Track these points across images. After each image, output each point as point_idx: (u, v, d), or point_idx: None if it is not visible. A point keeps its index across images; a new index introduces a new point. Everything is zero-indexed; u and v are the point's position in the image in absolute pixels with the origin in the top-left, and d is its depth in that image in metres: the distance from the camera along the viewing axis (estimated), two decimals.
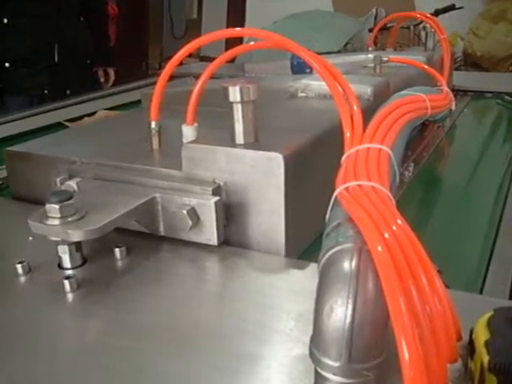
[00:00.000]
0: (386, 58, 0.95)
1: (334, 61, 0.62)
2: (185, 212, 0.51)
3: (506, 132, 1.18)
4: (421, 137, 0.98)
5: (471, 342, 0.33)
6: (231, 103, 0.53)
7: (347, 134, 0.51)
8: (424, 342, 0.29)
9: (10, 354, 0.41)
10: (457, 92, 1.38)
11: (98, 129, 0.82)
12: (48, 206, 0.48)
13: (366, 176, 0.40)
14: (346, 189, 0.39)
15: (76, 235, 0.47)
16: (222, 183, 0.54)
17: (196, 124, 0.60)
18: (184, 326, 0.43)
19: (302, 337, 0.39)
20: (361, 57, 1.04)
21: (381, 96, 0.76)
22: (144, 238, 0.56)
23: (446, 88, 0.85)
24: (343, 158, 0.46)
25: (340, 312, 0.30)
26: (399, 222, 0.34)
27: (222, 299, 0.47)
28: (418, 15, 1.34)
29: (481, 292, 0.55)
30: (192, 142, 0.57)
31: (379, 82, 0.81)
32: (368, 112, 0.73)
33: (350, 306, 0.30)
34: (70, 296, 0.47)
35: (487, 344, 0.31)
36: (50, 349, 0.41)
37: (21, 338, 0.42)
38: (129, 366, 0.39)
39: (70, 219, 0.48)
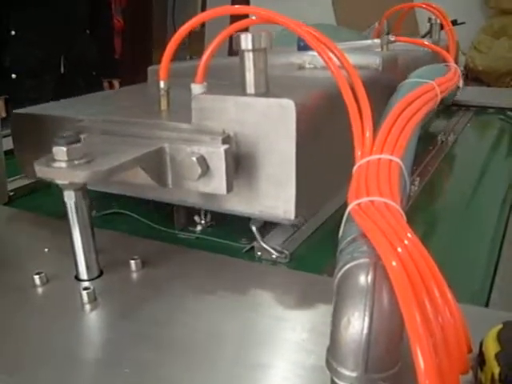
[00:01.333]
0: (393, 38, 0.96)
1: (339, 46, 0.63)
2: (194, 159, 0.51)
3: (508, 147, 1.20)
4: (426, 152, 0.99)
5: (481, 354, 0.34)
6: (242, 51, 0.52)
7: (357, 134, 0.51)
8: (437, 352, 0.30)
9: (28, 365, 0.42)
10: (459, 107, 1.40)
11: (105, 96, 0.81)
12: (55, 149, 0.46)
13: (377, 191, 0.41)
14: (359, 204, 0.40)
15: (83, 176, 0.46)
16: (231, 134, 0.53)
17: (205, 83, 0.59)
18: (200, 337, 0.44)
19: (315, 348, 0.41)
20: (367, 42, 1.05)
21: (389, 68, 0.77)
22: (159, 251, 0.58)
23: (453, 64, 0.86)
24: (354, 168, 0.47)
25: (357, 324, 0.31)
26: (410, 236, 0.35)
27: (236, 311, 0.48)
28: (424, 5, 1.34)
29: (486, 305, 0.56)
30: (202, 93, 0.56)
31: (388, 55, 0.82)
32: (377, 82, 0.74)
33: (367, 319, 0.31)
34: (87, 307, 0.48)
35: (497, 356, 0.32)
36: (68, 359, 0.42)
37: (39, 349, 0.43)
38: (148, 376, 0.40)
39: (77, 162, 0.46)
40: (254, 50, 0.52)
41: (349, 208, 0.41)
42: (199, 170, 0.51)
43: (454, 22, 1.92)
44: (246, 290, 0.51)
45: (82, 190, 0.50)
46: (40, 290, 0.52)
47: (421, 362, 0.28)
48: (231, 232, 0.64)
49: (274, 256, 0.58)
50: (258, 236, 0.59)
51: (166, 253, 0.58)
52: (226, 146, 0.51)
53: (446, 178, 0.93)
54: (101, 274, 0.54)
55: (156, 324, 0.46)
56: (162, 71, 0.63)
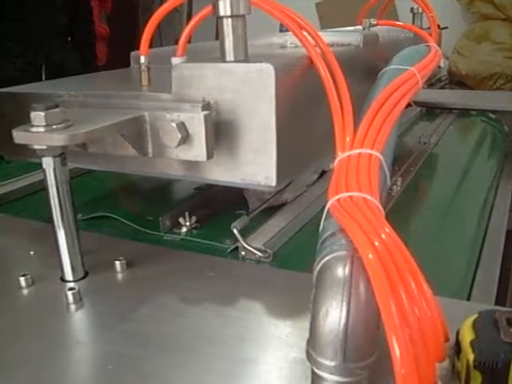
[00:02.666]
0: (374, 22, 0.98)
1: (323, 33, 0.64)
2: (174, 125, 0.51)
3: (490, 148, 1.22)
4: (408, 152, 1.01)
5: (458, 343, 0.35)
6: (221, 18, 0.53)
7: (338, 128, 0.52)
8: (413, 341, 0.31)
9: (14, 364, 0.42)
10: (442, 110, 1.42)
11: (86, 77, 0.81)
12: (33, 114, 0.46)
13: (356, 186, 0.42)
14: (338, 200, 0.41)
15: (61, 138, 0.46)
16: (212, 101, 0.53)
17: (186, 57, 0.59)
18: (185, 333, 0.45)
19: (298, 341, 0.41)
20: (349, 28, 1.07)
21: (370, 45, 0.78)
22: (143, 252, 0.58)
23: (433, 45, 0.87)
24: (335, 162, 0.48)
25: (335, 314, 0.32)
26: (388, 231, 0.36)
27: (221, 308, 0.48)
28: None
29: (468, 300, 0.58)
30: (182, 62, 0.56)
31: (368, 33, 0.83)
32: (358, 59, 0.76)
33: (345, 309, 0.32)
34: (72, 307, 0.49)
35: (472, 343, 0.33)
36: (55, 357, 0.43)
37: (25, 348, 0.44)
38: (134, 373, 0.40)
39: (55, 127, 0.46)
40: (232, 16, 0.52)
41: (328, 204, 0.41)
42: (179, 136, 0.51)
43: (437, 27, 1.95)
44: (231, 289, 0.52)
45: (61, 158, 0.50)
46: (25, 291, 0.52)
47: (396, 352, 0.29)
48: (216, 233, 0.65)
49: (257, 256, 0.58)
50: (239, 237, 0.59)
51: (150, 254, 0.58)
52: (206, 112, 0.51)
53: (428, 179, 0.94)
54: (86, 275, 0.54)
55: (141, 322, 0.46)
56: (142, 46, 0.62)
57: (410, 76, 0.65)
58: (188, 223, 0.67)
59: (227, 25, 0.53)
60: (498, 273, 0.72)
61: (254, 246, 0.59)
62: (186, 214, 0.68)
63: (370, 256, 0.32)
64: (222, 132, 0.54)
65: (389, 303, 0.30)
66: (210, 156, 0.52)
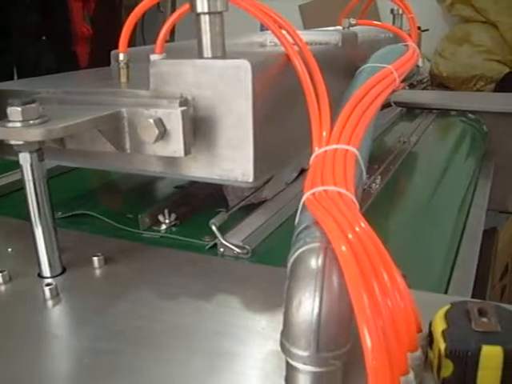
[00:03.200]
0: (354, 22, 0.99)
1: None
2: (151, 121, 0.51)
3: (469, 148, 1.23)
4: (387, 151, 1.02)
5: (430, 333, 0.36)
6: (198, 15, 0.53)
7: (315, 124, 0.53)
8: (385, 332, 0.31)
9: None
10: (422, 110, 1.43)
11: (65, 75, 0.80)
12: (10, 110, 0.46)
13: (332, 181, 0.43)
14: (313, 194, 0.41)
15: (37, 134, 0.45)
16: (189, 98, 0.53)
17: (165, 54, 0.59)
18: (162, 327, 0.45)
19: (274, 334, 0.42)
20: (329, 28, 1.07)
21: (349, 44, 0.79)
22: (122, 249, 0.58)
23: (411, 44, 0.88)
24: (312, 157, 0.48)
25: (308, 304, 0.32)
26: (362, 224, 0.36)
27: (199, 303, 0.48)
28: None
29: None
30: (160, 59, 0.57)
31: (347, 32, 0.84)
32: (337, 58, 0.77)
33: (317, 299, 0.32)
34: (50, 303, 0.49)
35: (444, 333, 0.34)
36: (30, 352, 0.43)
37: (1, 343, 0.44)
38: (109, 366, 0.40)
39: (32, 122, 0.46)
40: (209, 13, 0.53)
41: (304, 198, 0.42)
42: (156, 132, 0.51)
43: (418, 29, 1.97)
44: (209, 284, 0.52)
45: (38, 153, 0.50)
46: (2, 287, 0.52)
47: (368, 342, 0.29)
48: (195, 230, 0.65)
49: (235, 252, 0.59)
50: (218, 234, 0.59)
51: (129, 250, 0.58)
52: (183, 108, 0.51)
53: (407, 177, 0.95)
54: (64, 271, 0.54)
55: (118, 317, 0.46)
56: (121, 43, 0.62)
57: (387, 74, 0.66)
58: (167, 221, 0.68)
59: (204, 22, 0.53)
60: (474, 270, 0.73)
61: (232, 242, 0.59)
62: (166, 211, 0.68)
63: (343, 248, 0.32)
64: (199, 128, 0.54)
65: (361, 294, 0.30)
66: (187, 152, 0.52)
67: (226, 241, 0.59)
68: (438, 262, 0.71)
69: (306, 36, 0.76)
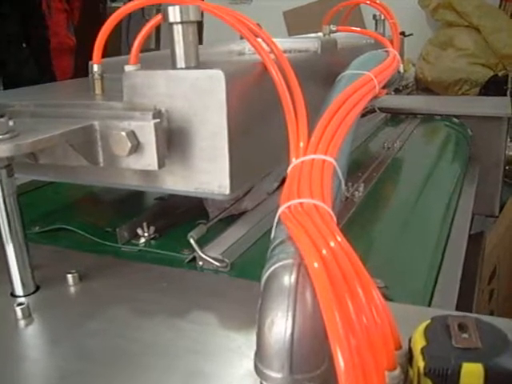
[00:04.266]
0: (334, 28, 0.97)
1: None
2: (124, 134, 0.49)
3: (453, 152, 1.23)
4: (371, 157, 1.01)
5: (410, 350, 0.35)
6: (171, 25, 0.52)
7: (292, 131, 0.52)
8: (361, 351, 0.30)
9: None
10: (407, 115, 1.43)
11: (41, 87, 0.78)
12: None
13: (308, 193, 0.42)
14: (289, 207, 0.40)
15: (5, 149, 0.44)
16: (163, 110, 0.52)
17: (139, 65, 0.57)
18: (137, 347, 0.43)
19: (250, 353, 0.40)
20: (310, 35, 1.06)
21: (329, 51, 0.78)
22: (97, 265, 0.57)
23: (392, 50, 0.87)
24: (289, 168, 0.47)
25: (280, 324, 0.31)
26: (338, 238, 0.35)
27: (174, 320, 0.47)
28: (368, 1, 1.35)
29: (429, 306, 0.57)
30: (133, 70, 0.55)
31: (327, 38, 0.83)
32: (316, 65, 0.76)
33: (290, 319, 0.31)
34: (22, 323, 0.47)
35: (423, 350, 0.32)
36: (0, 373, 0.41)
37: None
38: None
39: (0, 137, 0.44)
40: (182, 23, 0.51)
41: (279, 211, 0.41)
42: (129, 145, 0.49)
43: (402, 34, 1.98)
44: (186, 300, 0.50)
45: (8, 169, 0.49)
46: None
47: (341, 363, 0.28)
48: (174, 243, 0.64)
49: (214, 265, 0.57)
50: (196, 247, 0.58)
51: (105, 266, 0.57)
52: (157, 120, 0.50)
53: (391, 184, 0.95)
54: (37, 289, 0.52)
55: (91, 337, 0.45)
56: (95, 54, 0.61)
57: (367, 81, 0.65)
58: (146, 234, 0.66)
59: (177, 32, 0.52)
60: (459, 278, 0.72)
61: (211, 255, 0.58)
62: (144, 224, 0.66)
63: (316, 264, 0.31)
64: (174, 140, 0.53)
65: (333, 313, 0.29)
66: (161, 165, 0.51)
67: (204, 254, 0.58)
68: (422, 269, 0.70)
69: (285, 44, 0.75)
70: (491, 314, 1.54)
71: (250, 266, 0.59)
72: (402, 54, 1.22)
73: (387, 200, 0.87)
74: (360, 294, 0.32)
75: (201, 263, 0.58)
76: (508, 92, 2.55)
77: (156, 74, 0.52)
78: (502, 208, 1.58)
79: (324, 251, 0.33)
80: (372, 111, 1.33)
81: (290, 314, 0.31)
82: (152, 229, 0.66)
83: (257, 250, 0.62)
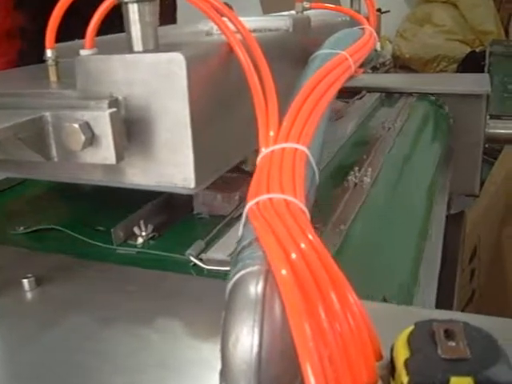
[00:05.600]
0: (307, 5, 0.92)
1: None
2: (76, 126, 0.45)
3: (432, 131, 1.20)
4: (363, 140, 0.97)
5: (392, 361, 0.31)
6: (126, 4, 0.47)
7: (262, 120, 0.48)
8: (335, 364, 0.27)
9: None
10: (386, 94, 1.39)
11: None
12: None
13: (278, 187, 0.38)
14: (257, 203, 0.37)
15: None
16: (120, 97, 0.48)
17: (96, 49, 0.52)
18: (93, 362, 0.39)
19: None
20: (282, 13, 1.01)
21: (301, 30, 0.73)
22: (60, 266, 0.53)
23: (368, 27, 0.84)
24: (258, 159, 0.44)
25: (246, 342, 0.27)
26: (310, 237, 0.32)
27: (136, 328, 0.43)
28: None
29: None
30: (88, 55, 0.50)
31: (299, 16, 0.79)
32: (288, 44, 0.71)
33: (257, 336, 0.27)
34: None
35: (406, 363, 0.29)
36: None
37: None
38: None
39: None
40: (138, 2, 0.47)
41: (246, 208, 0.37)
42: (83, 138, 0.45)
43: (379, 11, 1.94)
44: (152, 304, 0.47)
45: None
46: None
47: (311, 379, 0.25)
48: (176, 243, 0.58)
49: (221, 270, 0.52)
50: (198, 263, 0.53)
51: (66, 267, 0.53)
52: (112, 110, 0.46)
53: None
54: None
55: (45, 351, 0.41)
56: (47, 39, 0.55)
57: (342, 60, 0.61)
58: (144, 233, 0.60)
59: (133, 11, 0.47)
60: (439, 257, 0.69)
61: (218, 258, 0.53)
62: (142, 222, 0.60)
63: (283, 271, 0.28)
64: (133, 130, 0.48)
65: (302, 325, 0.26)
66: (119, 158, 0.46)
67: (208, 260, 0.53)
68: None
69: (255, 23, 0.70)
70: (472, 293, 1.53)
71: None
72: (378, 32, 1.18)
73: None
74: (334, 300, 0.28)
75: (207, 267, 0.53)
76: (485, 68, 2.53)
77: (111, 59, 0.48)
78: (482, 186, 1.57)
79: (293, 255, 0.29)
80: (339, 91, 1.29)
81: (257, 329, 0.27)
82: (150, 227, 0.60)
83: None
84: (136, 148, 0.49)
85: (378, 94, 1.33)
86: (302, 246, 0.30)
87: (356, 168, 0.78)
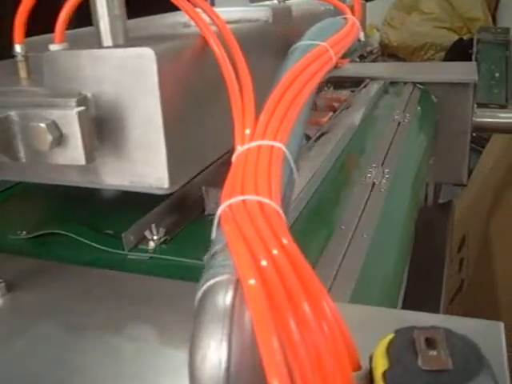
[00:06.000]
0: None
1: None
2: (43, 125, 0.43)
3: (420, 120, 1.18)
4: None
5: (371, 371, 0.30)
6: None
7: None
8: (306, 378, 0.25)
9: None
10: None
11: None
12: None
13: (253, 188, 0.36)
14: (230, 205, 0.35)
15: None
16: (89, 95, 0.46)
17: (66, 43, 0.50)
18: (61, 373, 0.38)
19: None
20: (265, 3, 0.99)
21: (281, 20, 0.72)
22: (33, 271, 0.51)
23: (351, 17, 0.82)
24: (233, 157, 0.42)
25: (214, 358, 0.26)
26: (285, 241, 0.30)
27: (107, 336, 0.42)
28: None
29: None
30: (57, 50, 0.48)
31: (279, 6, 0.76)
32: (268, 36, 0.69)
33: (225, 351, 0.26)
34: None
35: (385, 375, 0.28)
36: None
37: None
38: None
39: None
40: None
41: (219, 210, 0.35)
42: (50, 138, 0.43)
43: None
44: (124, 310, 0.45)
45: None
46: None
47: None
48: (190, 247, 0.54)
49: None
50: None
51: (39, 271, 0.51)
52: (81, 108, 0.44)
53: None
54: None
55: (9, 361, 0.39)
56: (16, 33, 0.53)
57: (322, 52, 0.59)
58: (156, 237, 0.56)
59: (101, 4, 0.45)
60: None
61: None
62: (153, 225, 0.57)
63: (251, 281, 0.26)
64: (104, 129, 0.46)
65: (269, 339, 0.24)
66: (89, 158, 0.44)
67: None
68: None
69: (234, 14, 0.68)
70: (462, 282, 1.53)
71: None
72: (363, 21, 1.16)
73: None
74: (306, 310, 0.27)
75: None
76: (473, 56, 2.52)
77: (79, 55, 0.45)
78: (470, 175, 1.56)
79: (264, 262, 0.28)
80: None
81: (225, 344, 0.26)
82: (162, 231, 0.57)
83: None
84: (108, 147, 0.47)
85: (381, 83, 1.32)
86: (274, 251, 0.29)
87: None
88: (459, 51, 2.68)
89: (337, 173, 0.78)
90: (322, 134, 0.88)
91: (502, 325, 0.36)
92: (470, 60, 2.44)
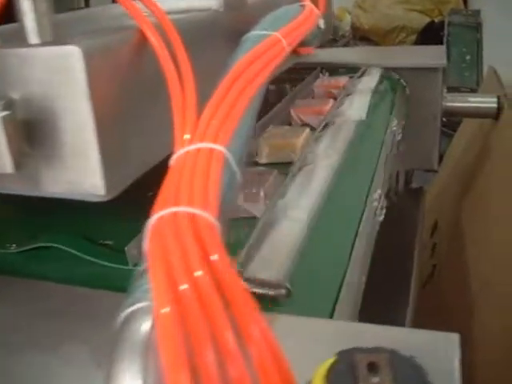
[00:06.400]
0: None
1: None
2: None
3: (390, 106, 1.16)
4: None
5: None
6: None
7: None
8: None
9: None
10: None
11: None
12: None
13: (187, 197, 0.34)
14: (161, 218, 0.32)
15: None
16: (17, 97, 0.42)
17: None
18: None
19: None
20: None
21: (234, 8, 0.68)
22: None
23: (309, 4, 0.79)
24: (171, 161, 0.39)
25: None
26: (215, 257, 0.28)
27: (44, 358, 0.39)
28: None
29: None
30: None
31: None
32: (219, 26, 0.66)
33: None
34: None
35: None
36: None
37: None
38: None
39: None
40: None
41: (149, 222, 0.33)
42: None
43: None
44: (68, 328, 0.42)
45: None
46: None
47: None
48: None
49: (270, 293, 0.44)
50: None
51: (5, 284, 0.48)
52: (6, 113, 0.40)
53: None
54: None
55: None
56: None
57: (274, 43, 0.57)
58: None
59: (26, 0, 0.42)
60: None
61: (261, 278, 0.45)
62: None
63: (164, 310, 0.23)
64: (35, 135, 0.43)
65: (177, 376, 0.22)
66: (18, 166, 0.41)
67: (250, 276, 0.45)
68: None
69: (183, 2, 0.65)
70: (433, 268, 1.52)
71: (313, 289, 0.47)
72: (330, 5, 1.13)
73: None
74: (229, 338, 0.24)
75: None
76: (444, 38, 2.51)
77: (4, 54, 0.42)
78: (441, 160, 1.55)
79: (184, 286, 0.25)
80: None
81: (140, 381, 0.23)
82: None
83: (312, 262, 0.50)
84: (40, 153, 0.43)
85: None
86: (198, 273, 0.26)
87: None
88: (430, 34, 2.67)
89: None
90: (327, 125, 0.85)
91: (457, 336, 0.34)
92: (442, 43, 2.43)
